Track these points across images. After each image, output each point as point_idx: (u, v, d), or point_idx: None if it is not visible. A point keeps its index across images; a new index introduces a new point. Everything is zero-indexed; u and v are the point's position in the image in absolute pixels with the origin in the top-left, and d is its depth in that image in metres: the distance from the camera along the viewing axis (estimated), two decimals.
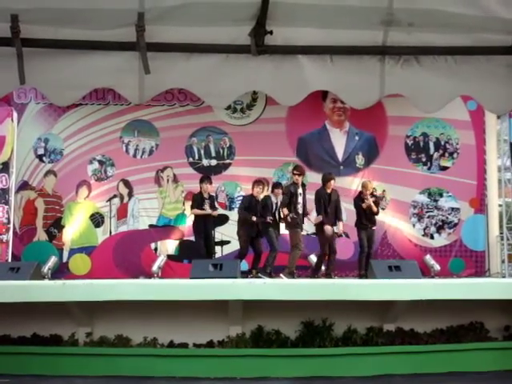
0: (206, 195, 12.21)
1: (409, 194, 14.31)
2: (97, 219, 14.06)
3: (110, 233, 13.98)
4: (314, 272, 11.91)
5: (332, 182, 11.98)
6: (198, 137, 14.31)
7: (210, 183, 12.35)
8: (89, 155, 14.17)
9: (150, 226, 14.14)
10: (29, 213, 13.96)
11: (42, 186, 14.05)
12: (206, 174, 12.95)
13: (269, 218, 11.77)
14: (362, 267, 11.87)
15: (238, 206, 13.36)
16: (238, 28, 4.96)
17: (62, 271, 13.22)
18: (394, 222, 14.21)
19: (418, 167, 14.46)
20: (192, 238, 12.92)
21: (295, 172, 11.95)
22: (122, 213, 14.10)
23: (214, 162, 14.32)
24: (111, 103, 14.04)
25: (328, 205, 11.83)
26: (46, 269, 11.30)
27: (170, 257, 13.68)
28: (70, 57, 4.96)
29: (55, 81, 5.06)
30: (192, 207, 12.40)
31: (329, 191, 11.93)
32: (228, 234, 13.46)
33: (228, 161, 14.33)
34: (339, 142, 14.50)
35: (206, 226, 12.15)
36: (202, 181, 12.35)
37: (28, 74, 4.85)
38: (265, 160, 14.08)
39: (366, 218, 12.17)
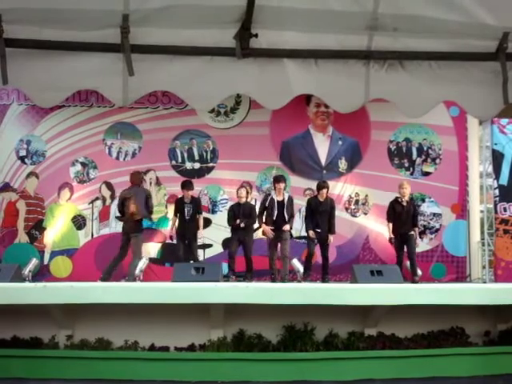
0: (186, 200, 12.28)
1: (391, 199, 14.31)
2: (79, 221, 13.99)
3: (92, 235, 13.92)
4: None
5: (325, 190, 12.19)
6: (182, 140, 14.28)
7: (189, 189, 12.48)
8: (71, 157, 14.10)
9: None
10: (10, 215, 13.86)
11: (24, 188, 13.95)
12: (187, 180, 13.01)
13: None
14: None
15: (220, 209, 13.59)
16: (222, 31, 4.97)
17: (43, 273, 13.10)
18: (376, 227, 14.25)
19: (401, 172, 14.50)
20: (175, 241, 12.90)
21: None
22: (105, 215, 14.05)
23: (197, 165, 14.29)
24: (94, 105, 13.99)
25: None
26: (26, 271, 11.17)
27: (152, 260, 13.62)
28: (53, 58, 4.94)
29: (38, 82, 5.04)
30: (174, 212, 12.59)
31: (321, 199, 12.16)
32: (210, 237, 13.49)
33: (211, 164, 14.30)
34: (322, 146, 14.51)
35: (185, 230, 12.28)
36: (182, 187, 12.52)
37: (11, 74, 4.82)
38: (248, 163, 14.07)
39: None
